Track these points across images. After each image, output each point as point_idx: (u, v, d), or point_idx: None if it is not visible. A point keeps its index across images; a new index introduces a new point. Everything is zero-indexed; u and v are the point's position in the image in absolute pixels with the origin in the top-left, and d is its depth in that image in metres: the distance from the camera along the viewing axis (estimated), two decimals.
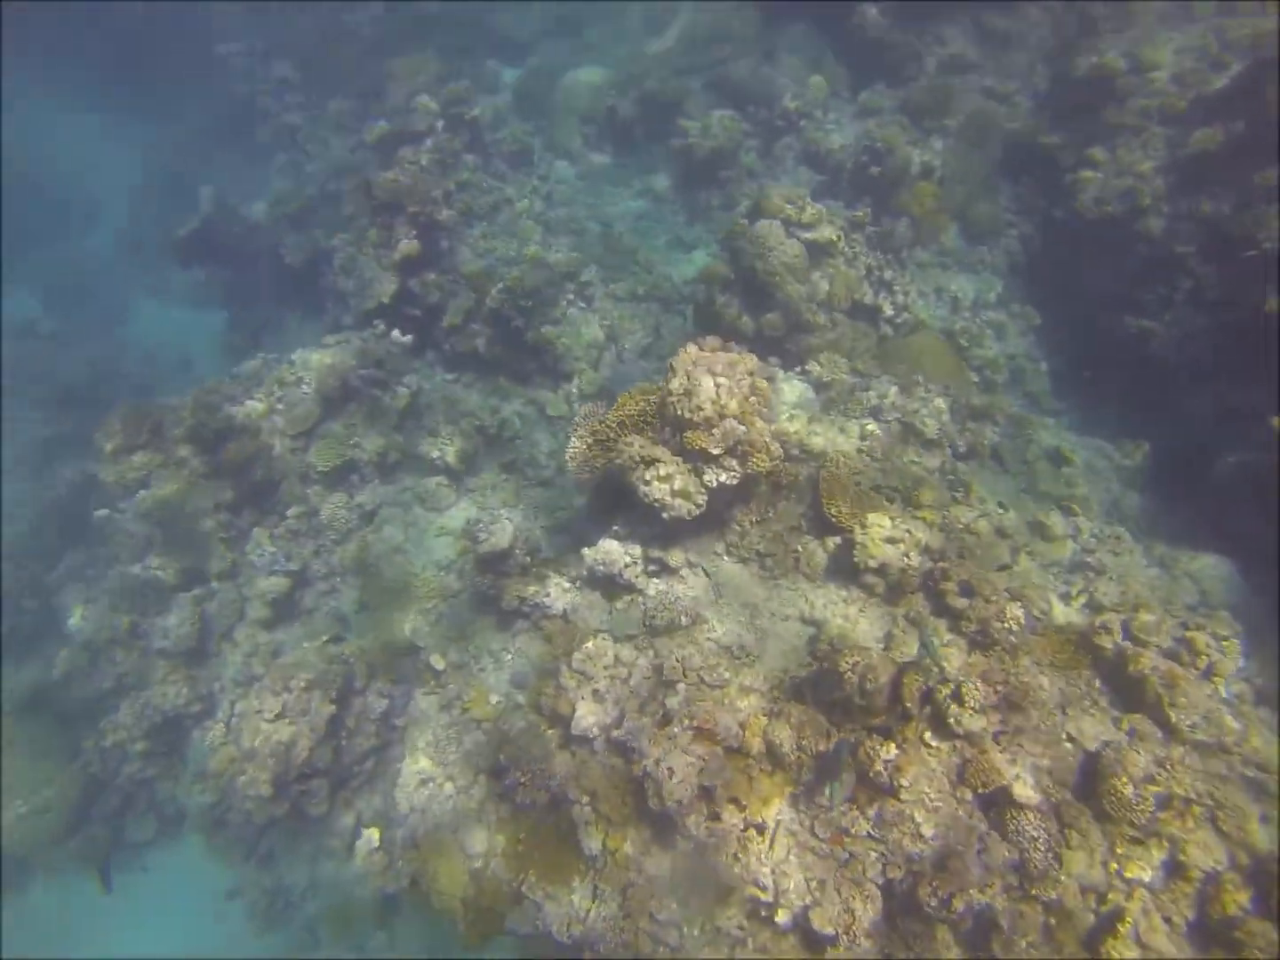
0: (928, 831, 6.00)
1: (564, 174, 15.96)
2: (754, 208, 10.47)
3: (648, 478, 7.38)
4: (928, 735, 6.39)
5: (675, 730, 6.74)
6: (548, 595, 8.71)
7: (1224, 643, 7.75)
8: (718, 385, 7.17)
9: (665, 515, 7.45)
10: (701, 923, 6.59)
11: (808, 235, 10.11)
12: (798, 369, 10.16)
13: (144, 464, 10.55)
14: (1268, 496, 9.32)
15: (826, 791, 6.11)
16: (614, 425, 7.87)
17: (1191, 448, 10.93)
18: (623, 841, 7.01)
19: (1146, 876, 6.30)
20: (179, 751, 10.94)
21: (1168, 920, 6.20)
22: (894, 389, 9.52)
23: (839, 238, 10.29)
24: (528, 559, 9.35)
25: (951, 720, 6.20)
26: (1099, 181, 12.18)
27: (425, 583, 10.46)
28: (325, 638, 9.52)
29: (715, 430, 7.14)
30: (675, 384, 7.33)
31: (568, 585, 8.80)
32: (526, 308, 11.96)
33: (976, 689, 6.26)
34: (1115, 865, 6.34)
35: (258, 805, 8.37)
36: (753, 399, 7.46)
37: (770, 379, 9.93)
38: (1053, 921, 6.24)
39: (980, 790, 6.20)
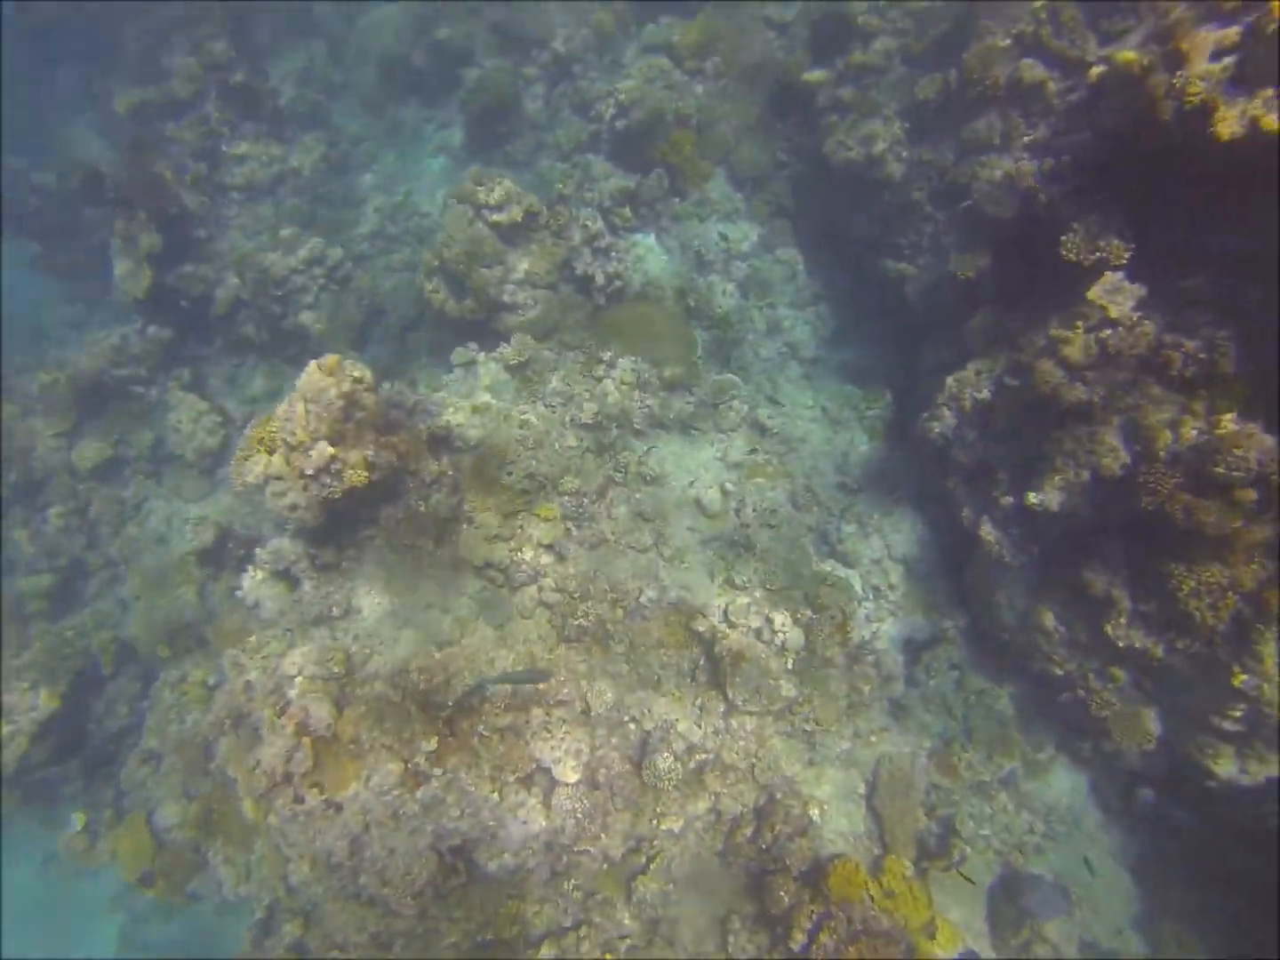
0: (454, 812, 6.91)
1: (360, 131, 15.73)
2: (453, 191, 10.54)
3: (270, 493, 7.98)
4: (480, 728, 7.21)
5: (282, 720, 7.61)
6: (240, 588, 9.48)
7: (823, 613, 8.43)
8: (308, 411, 7.65)
9: (289, 526, 8.09)
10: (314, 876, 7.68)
11: (497, 216, 10.21)
12: (498, 349, 10.46)
13: None
14: (947, 460, 9.69)
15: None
16: (254, 441, 8.38)
17: (914, 400, 11.25)
18: (265, 813, 8.02)
19: (677, 826, 7.26)
20: None
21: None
22: (565, 370, 9.86)
23: (529, 213, 10.33)
24: (241, 552, 10.09)
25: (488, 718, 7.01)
26: (843, 124, 11.95)
27: (180, 569, 11.25)
28: (71, 629, 10.40)
29: (311, 452, 7.66)
30: (281, 409, 7.83)
31: (262, 577, 9.54)
32: (279, 296, 12.24)
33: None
34: (655, 821, 7.28)
35: None
36: (358, 415, 7.95)
37: (470, 364, 10.39)
38: (602, 867, 7.29)
39: (515, 774, 7.08)
